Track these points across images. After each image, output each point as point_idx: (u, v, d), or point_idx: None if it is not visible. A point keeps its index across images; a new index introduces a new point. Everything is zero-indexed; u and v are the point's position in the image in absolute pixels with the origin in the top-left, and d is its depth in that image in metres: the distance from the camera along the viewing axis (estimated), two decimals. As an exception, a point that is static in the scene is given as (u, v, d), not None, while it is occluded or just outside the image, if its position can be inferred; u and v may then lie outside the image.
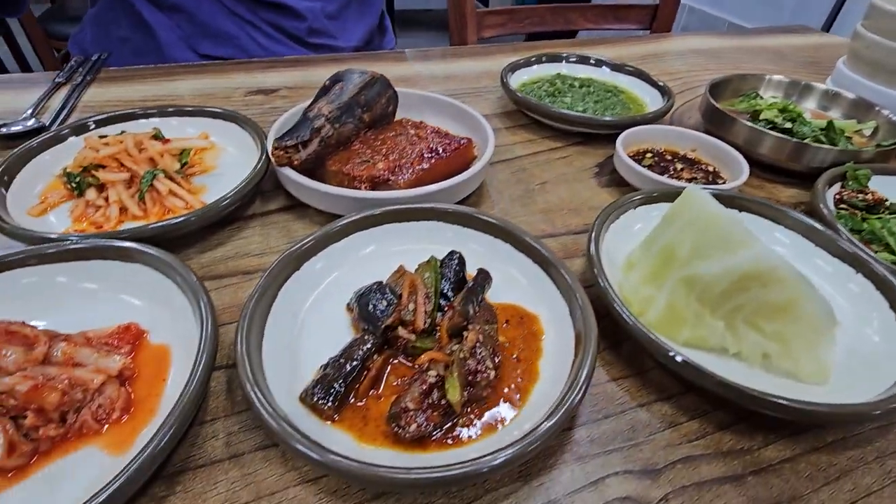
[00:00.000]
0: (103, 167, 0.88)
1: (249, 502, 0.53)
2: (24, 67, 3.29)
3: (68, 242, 0.69)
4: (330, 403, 0.57)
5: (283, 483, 0.55)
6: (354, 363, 0.61)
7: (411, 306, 0.66)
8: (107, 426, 0.56)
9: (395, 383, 0.62)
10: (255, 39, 1.60)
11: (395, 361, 0.65)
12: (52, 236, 0.73)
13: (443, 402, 0.57)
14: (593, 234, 0.79)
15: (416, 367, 0.60)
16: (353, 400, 0.60)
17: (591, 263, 0.74)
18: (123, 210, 0.86)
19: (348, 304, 0.72)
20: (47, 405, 0.53)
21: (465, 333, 0.62)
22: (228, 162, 1.02)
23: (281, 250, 0.85)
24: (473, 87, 1.50)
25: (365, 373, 0.61)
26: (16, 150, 0.91)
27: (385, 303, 0.65)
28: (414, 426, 0.54)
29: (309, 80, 1.46)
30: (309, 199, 0.89)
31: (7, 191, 0.86)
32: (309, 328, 0.69)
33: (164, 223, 0.78)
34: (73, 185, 0.86)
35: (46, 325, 0.64)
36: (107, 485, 0.46)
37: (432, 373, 0.58)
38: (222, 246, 0.86)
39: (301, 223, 0.92)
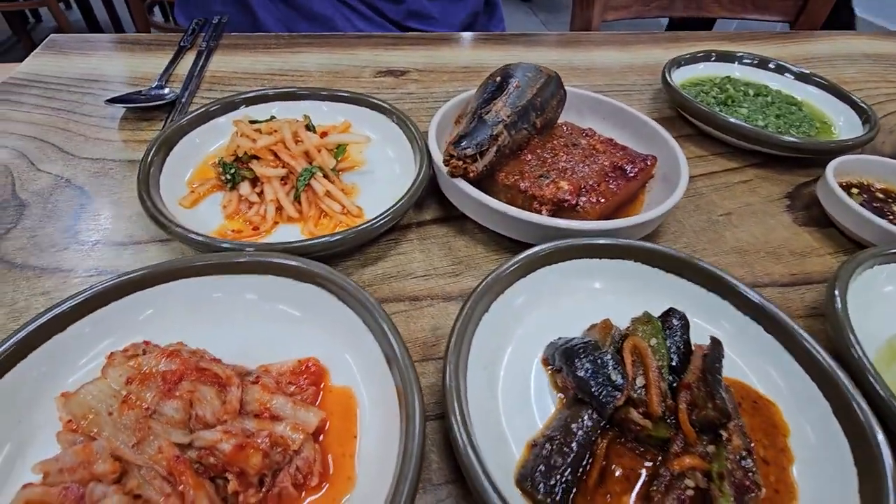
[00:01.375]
0: (257, 158, 0.80)
1: None
2: (115, 22, 3.32)
3: (244, 254, 0.62)
4: (559, 501, 0.48)
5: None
6: (579, 448, 0.51)
7: (639, 381, 0.55)
8: (305, 493, 0.49)
9: (617, 473, 0.52)
10: (350, 21, 1.54)
11: (619, 445, 0.54)
12: (228, 245, 0.66)
13: (703, 518, 0.46)
14: (837, 295, 0.64)
15: (665, 468, 0.50)
16: (578, 495, 0.50)
17: (842, 339, 0.60)
18: (278, 209, 0.78)
19: (546, 358, 0.62)
20: (250, 469, 0.45)
21: (722, 433, 0.50)
22: (376, 157, 0.93)
23: (446, 273, 0.76)
24: (619, 83, 1.33)
25: (590, 460, 0.52)
26: (166, 128, 0.85)
27: (615, 378, 0.54)
28: (679, 552, 0.44)
29: (437, 62, 1.34)
30: (479, 217, 0.78)
31: (161, 174, 0.79)
32: (502, 382, 0.59)
33: (331, 239, 0.69)
34: (228, 176, 0.79)
35: (221, 339, 0.58)
36: None
37: (690, 483, 0.47)
38: (382, 261, 0.77)
39: (462, 240, 0.82)
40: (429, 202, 0.88)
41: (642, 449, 0.53)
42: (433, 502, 0.51)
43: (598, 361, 0.56)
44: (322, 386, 0.56)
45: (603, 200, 0.76)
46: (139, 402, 0.47)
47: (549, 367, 0.61)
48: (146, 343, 0.55)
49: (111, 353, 0.52)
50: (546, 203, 0.76)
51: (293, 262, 0.61)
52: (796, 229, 0.91)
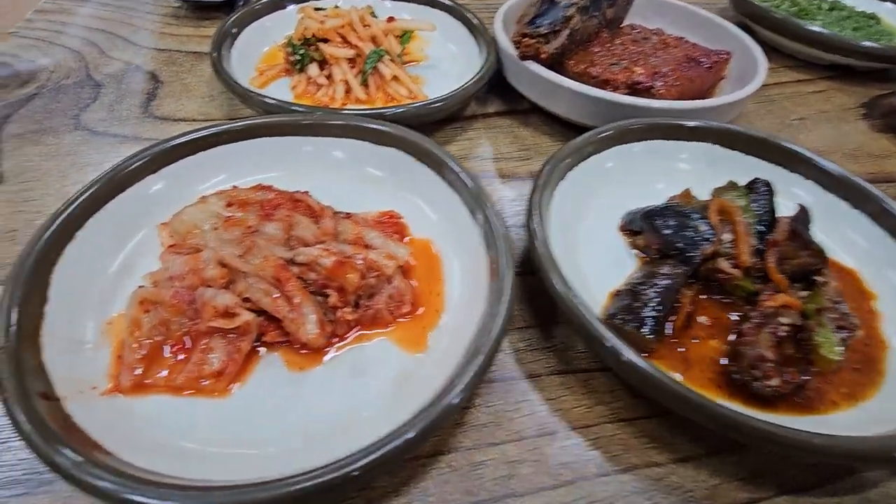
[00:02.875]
0: (326, 41, 0.80)
1: (558, 432, 0.46)
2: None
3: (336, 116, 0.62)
4: (649, 333, 0.48)
5: (594, 417, 0.47)
6: (666, 293, 0.51)
7: (726, 237, 0.54)
8: (397, 319, 0.50)
9: (705, 324, 0.52)
10: None
11: (704, 298, 0.54)
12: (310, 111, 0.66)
13: (797, 356, 0.46)
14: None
15: (755, 310, 0.49)
16: (666, 337, 0.50)
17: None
18: (346, 91, 0.78)
19: (625, 226, 0.61)
20: (348, 285, 0.47)
21: (817, 279, 0.50)
22: (438, 53, 0.91)
23: (514, 157, 0.76)
24: None
25: (678, 307, 0.51)
26: (242, 8, 0.85)
27: (703, 228, 0.53)
28: (776, 380, 0.43)
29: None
30: (549, 101, 0.77)
31: (230, 52, 0.80)
32: (582, 247, 0.59)
33: (418, 105, 0.69)
34: (298, 56, 0.79)
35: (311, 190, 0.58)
36: (447, 388, 0.39)
37: (785, 320, 0.47)
38: (449, 144, 0.77)
39: (527, 130, 0.81)
40: (492, 97, 0.87)
41: (729, 301, 0.53)
42: (519, 341, 0.52)
43: (684, 217, 0.55)
44: (403, 235, 0.58)
45: (679, 84, 0.74)
46: (242, 221, 0.49)
47: (627, 231, 0.61)
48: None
49: (203, 196, 0.54)
50: (619, 87, 0.74)
51: (380, 126, 0.61)
52: (874, 135, 0.87)
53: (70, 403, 0.39)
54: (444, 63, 0.90)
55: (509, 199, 0.69)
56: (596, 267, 0.57)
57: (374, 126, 0.61)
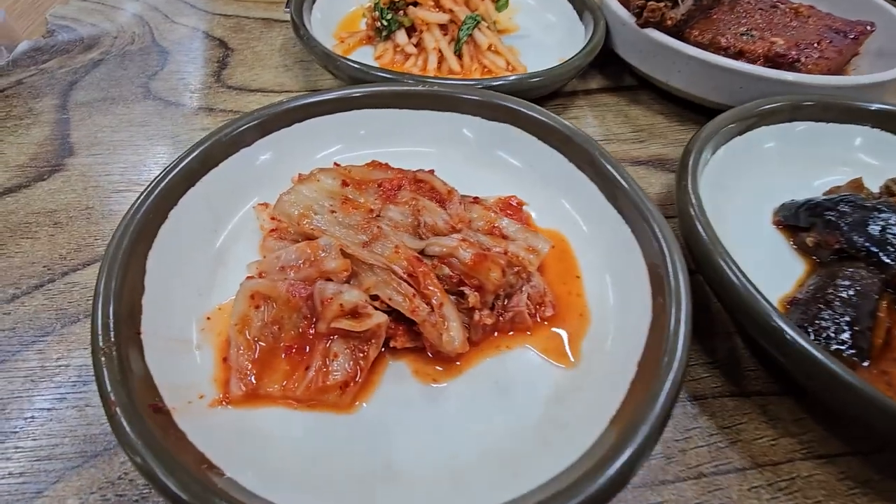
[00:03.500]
0: (416, 4, 0.72)
1: (746, 469, 0.38)
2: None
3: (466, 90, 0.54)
4: (852, 351, 0.39)
5: (782, 452, 0.39)
6: (862, 303, 0.42)
7: (927, 237, 0.45)
8: (539, 324, 0.42)
9: (903, 341, 0.44)
10: None
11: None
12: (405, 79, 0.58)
13: None
14: None
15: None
16: (863, 358, 0.41)
17: None
18: (439, 62, 0.70)
19: (783, 221, 0.52)
20: (489, 283, 0.39)
21: None
22: (534, 23, 0.82)
23: (628, 139, 0.67)
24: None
25: (875, 322, 0.43)
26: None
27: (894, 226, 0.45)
28: None
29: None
30: (671, 74, 0.67)
31: (309, 17, 0.72)
32: (733, 246, 0.50)
33: (522, 77, 0.61)
34: (384, 22, 0.71)
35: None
36: (621, 441, 0.31)
37: None
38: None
39: (638, 109, 0.72)
40: (592, 72, 0.78)
41: (930, 314, 0.44)
42: (672, 354, 0.44)
43: (871, 211, 0.46)
44: (528, 224, 0.50)
45: (827, 59, 0.64)
46: (363, 204, 0.42)
47: (785, 227, 0.52)
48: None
49: (310, 173, 0.47)
50: (757, 59, 0.65)
51: (502, 101, 0.52)
52: None
53: (180, 418, 0.33)
54: (538, 33, 0.81)
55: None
56: (754, 269, 0.48)
57: (498, 101, 0.53)
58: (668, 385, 0.33)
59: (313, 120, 0.51)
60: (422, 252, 0.40)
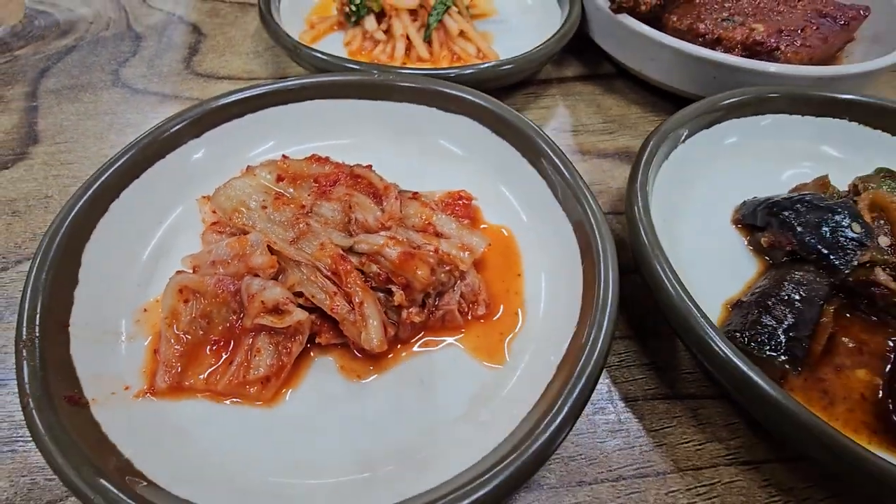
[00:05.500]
0: (385, -10, 0.70)
1: (667, 473, 0.37)
2: None
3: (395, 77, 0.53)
4: (785, 359, 0.39)
5: (706, 457, 0.39)
6: (806, 309, 0.41)
7: (883, 240, 0.43)
8: (470, 323, 0.42)
9: (850, 346, 0.42)
10: None
11: (849, 317, 0.44)
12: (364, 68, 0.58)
13: None
14: None
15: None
16: (802, 364, 0.40)
17: None
18: (407, 49, 0.69)
19: (742, 219, 0.51)
20: (417, 282, 0.39)
21: None
22: (510, 6, 0.80)
23: (597, 130, 0.66)
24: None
25: (817, 327, 0.42)
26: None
27: (856, 230, 0.43)
28: (963, 434, 0.34)
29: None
30: (646, 62, 0.65)
31: (279, 2, 0.71)
32: (687, 244, 0.49)
33: (490, 65, 0.60)
34: (353, 6, 0.70)
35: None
36: (535, 429, 0.31)
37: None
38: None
39: (612, 98, 0.70)
40: (569, 59, 0.75)
41: (881, 321, 0.43)
42: (611, 355, 0.44)
43: (826, 212, 0.45)
44: (474, 220, 0.49)
45: (809, 46, 0.61)
46: (295, 200, 0.42)
47: (743, 226, 0.50)
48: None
49: (250, 167, 0.47)
50: (734, 47, 0.62)
51: (457, 91, 0.51)
52: None
53: (99, 409, 0.34)
54: (516, 18, 0.78)
55: (593, 180, 0.59)
56: (705, 269, 0.47)
57: (451, 91, 0.52)
58: (578, 387, 0.33)
59: (258, 113, 0.51)
60: (350, 249, 0.40)
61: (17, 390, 0.33)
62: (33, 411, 0.30)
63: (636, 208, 0.44)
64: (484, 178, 0.51)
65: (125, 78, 0.69)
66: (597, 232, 0.41)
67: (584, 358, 0.34)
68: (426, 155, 0.53)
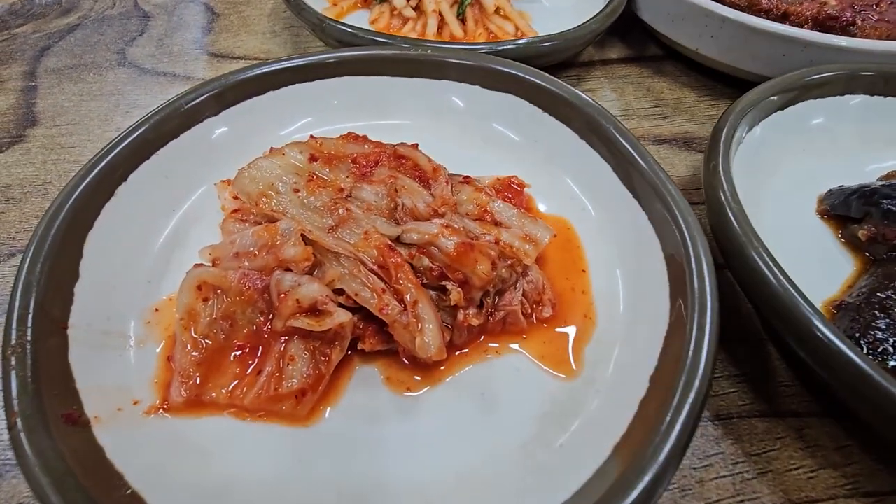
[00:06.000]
0: (416, -37, 0.65)
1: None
2: None
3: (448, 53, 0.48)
4: (913, 374, 0.33)
5: (821, 487, 0.32)
6: (928, 311, 0.35)
7: None
8: (534, 326, 0.36)
9: (976, 358, 0.36)
10: None
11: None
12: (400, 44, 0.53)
13: None
14: None
15: None
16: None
17: None
18: (439, 27, 0.64)
19: (830, 210, 0.45)
20: (476, 279, 0.33)
21: None
22: (545, -14, 0.75)
23: (650, 114, 0.60)
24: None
25: (941, 331, 0.36)
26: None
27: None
28: None
29: None
30: (703, 40, 0.58)
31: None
32: (771, 232, 0.43)
33: (531, 42, 0.54)
34: (381, -18, 0.64)
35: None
36: (630, 472, 0.25)
37: None
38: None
39: (663, 82, 0.64)
40: (612, 40, 0.70)
41: None
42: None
43: (945, 201, 0.39)
44: (528, 210, 0.43)
45: (888, 21, 0.55)
46: (332, 182, 0.36)
47: (833, 217, 0.44)
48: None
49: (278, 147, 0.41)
50: (804, 23, 0.56)
51: (503, 67, 0.46)
52: None
53: (102, 429, 0.28)
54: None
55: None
56: (794, 266, 0.41)
57: (496, 66, 0.46)
58: (687, 406, 0.27)
59: (284, 89, 0.45)
60: (397, 239, 0.34)
61: (2, 406, 0.28)
62: (21, 434, 0.25)
63: (722, 192, 0.38)
64: (536, 164, 0.45)
65: (132, 57, 0.63)
66: (682, 223, 0.35)
67: (687, 370, 0.28)
68: (470, 137, 0.47)
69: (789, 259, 0.41)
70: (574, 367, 0.34)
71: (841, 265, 0.42)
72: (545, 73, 0.46)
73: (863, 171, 0.48)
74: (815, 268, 0.42)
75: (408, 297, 0.31)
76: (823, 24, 0.56)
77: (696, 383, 0.28)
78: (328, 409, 0.32)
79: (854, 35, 0.55)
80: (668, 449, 0.26)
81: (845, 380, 0.30)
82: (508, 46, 0.54)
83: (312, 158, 0.37)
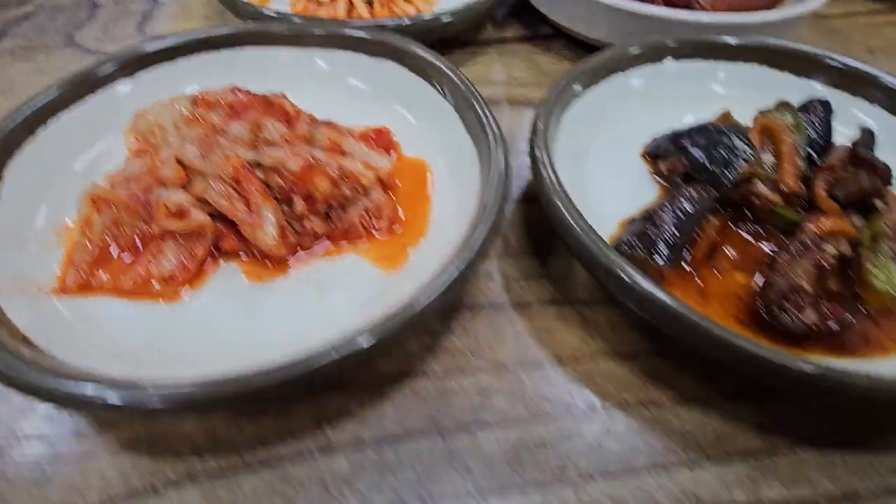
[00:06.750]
0: (329, -47, 0.74)
1: (549, 364, 0.40)
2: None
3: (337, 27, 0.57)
4: (663, 261, 0.41)
5: (588, 351, 0.41)
6: (687, 218, 0.43)
7: (767, 158, 0.46)
8: (373, 235, 0.45)
9: (733, 257, 0.45)
10: None
11: (733, 228, 0.46)
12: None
13: (842, 291, 0.38)
14: None
15: (796, 239, 0.41)
16: (683, 268, 0.43)
17: None
18: (349, 8, 0.72)
19: (649, 152, 0.53)
20: (317, 193, 0.42)
21: (877, 204, 0.41)
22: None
23: (529, 83, 0.69)
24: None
25: (699, 236, 0.44)
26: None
27: (736, 148, 0.45)
28: (812, 315, 0.36)
29: None
30: (574, 19, 0.69)
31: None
32: (594, 175, 0.52)
33: (422, 18, 0.64)
34: (296, -30, 0.73)
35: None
36: (412, 303, 0.34)
37: (831, 249, 0.39)
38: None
39: (548, 57, 0.73)
40: (511, 21, 0.79)
41: (762, 232, 0.45)
42: (512, 269, 0.46)
43: (719, 135, 0.47)
44: (393, 153, 0.52)
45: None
46: (206, 121, 0.45)
47: (651, 158, 0.53)
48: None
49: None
50: (655, 1, 0.65)
51: (370, 36, 0.55)
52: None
53: (4, 298, 0.36)
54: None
55: (523, 126, 0.62)
56: (609, 196, 0.50)
57: (364, 35, 0.55)
58: (453, 270, 0.36)
59: (190, 57, 0.54)
60: (256, 163, 0.43)
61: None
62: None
63: (534, 137, 0.46)
64: (402, 115, 0.54)
65: (79, 40, 0.72)
66: (493, 149, 0.44)
67: (464, 250, 0.37)
68: (347, 96, 0.56)
69: (606, 191, 0.50)
70: (398, 265, 0.43)
71: (648, 194, 0.50)
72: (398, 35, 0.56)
73: (680, 122, 0.56)
74: (627, 196, 0.50)
75: (253, 202, 0.40)
76: (672, 2, 0.65)
77: (464, 257, 0.36)
78: (194, 292, 0.40)
79: (696, 8, 0.64)
80: (429, 295, 0.34)
81: (591, 265, 0.39)
82: (404, 22, 0.62)
83: (195, 104, 0.46)
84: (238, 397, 0.31)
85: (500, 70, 0.70)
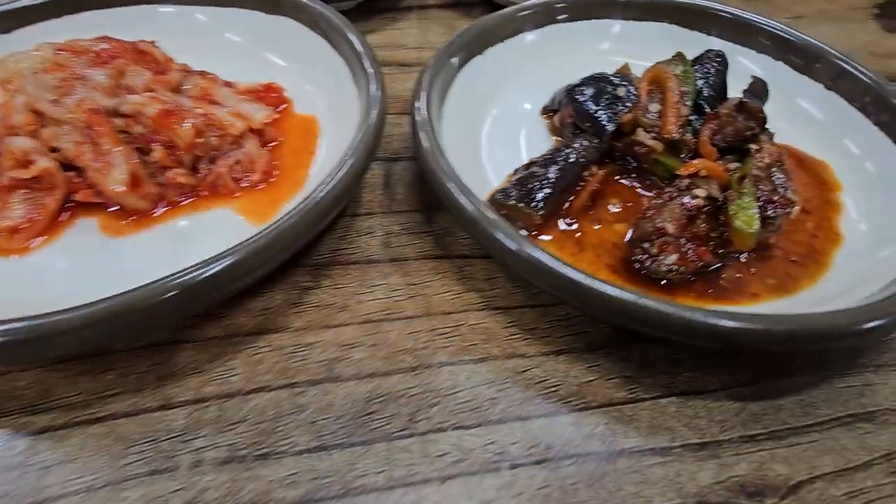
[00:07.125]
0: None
1: (416, 317, 0.39)
2: None
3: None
4: (537, 209, 0.40)
5: (460, 304, 0.40)
6: (566, 168, 0.42)
7: (654, 107, 0.45)
8: (245, 188, 0.43)
9: (616, 209, 0.43)
10: None
11: (619, 180, 0.45)
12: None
13: (713, 235, 0.37)
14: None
15: (672, 185, 0.40)
16: (561, 217, 0.42)
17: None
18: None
19: (547, 107, 0.52)
20: (179, 140, 0.40)
21: (752, 147, 0.40)
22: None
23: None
24: None
25: (580, 186, 0.43)
26: None
27: (621, 94, 0.44)
28: (674, 257, 0.35)
29: None
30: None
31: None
32: (492, 132, 0.51)
33: None
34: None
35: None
36: (240, 245, 0.33)
37: (700, 192, 0.38)
38: (372, 34, 0.68)
39: (466, 21, 0.71)
40: (433, -11, 0.77)
41: (647, 183, 0.44)
42: (393, 224, 0.45)
43: (606, 84, 0.46)
44: (282, 110, 0.50)
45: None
46: (66, 67, 0.42)
47: (549, 113, 0.52)
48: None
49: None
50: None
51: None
52: (883, 35, 0.74)
53: None
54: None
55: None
56: (502, 153, 0.48)
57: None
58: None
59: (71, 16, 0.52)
60: (115, 111, 0.40)
61: None
62: None
63: (416, 95, 0.44)
64: (295, 72, 0.53)
65: None
66: (371, 99, 0.42)
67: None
68: (249, 61, 0.54)
69: (499, 148, 0.49)
70: (269, 217, 0.41)
71: (543, 149, 0.49)
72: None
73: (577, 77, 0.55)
74: (521, 152, 0.49)
75: (104, 148, 0.38)
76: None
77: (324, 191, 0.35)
78: (44, 247, 0.38)
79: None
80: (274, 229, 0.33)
81: (456, 215, 0.37)
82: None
83: (63, 52, 0.43)
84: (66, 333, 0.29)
85: (416, 35, 0.68)
